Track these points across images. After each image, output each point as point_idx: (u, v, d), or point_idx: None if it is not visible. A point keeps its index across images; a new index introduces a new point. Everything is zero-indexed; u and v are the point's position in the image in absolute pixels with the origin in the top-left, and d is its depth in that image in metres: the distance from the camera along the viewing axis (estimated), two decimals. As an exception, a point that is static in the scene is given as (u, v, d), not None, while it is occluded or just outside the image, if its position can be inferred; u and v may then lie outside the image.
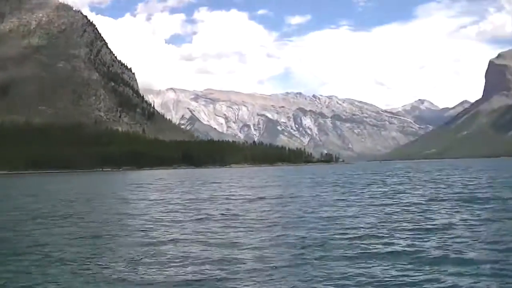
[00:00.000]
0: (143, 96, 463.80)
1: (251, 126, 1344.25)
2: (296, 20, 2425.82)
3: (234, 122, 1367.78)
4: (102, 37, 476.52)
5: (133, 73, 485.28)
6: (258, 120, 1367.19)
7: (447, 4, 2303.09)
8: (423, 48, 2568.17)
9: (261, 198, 40.08)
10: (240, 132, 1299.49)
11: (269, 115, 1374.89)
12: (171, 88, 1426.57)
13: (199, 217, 27.35)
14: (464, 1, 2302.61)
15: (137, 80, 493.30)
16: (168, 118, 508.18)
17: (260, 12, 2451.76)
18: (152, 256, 16.58)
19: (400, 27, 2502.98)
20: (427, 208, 28.65)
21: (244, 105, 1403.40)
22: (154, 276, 13.89)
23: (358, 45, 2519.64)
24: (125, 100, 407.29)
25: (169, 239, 19.84)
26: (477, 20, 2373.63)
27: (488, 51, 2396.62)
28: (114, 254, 17.05)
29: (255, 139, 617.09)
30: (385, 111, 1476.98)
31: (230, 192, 50.27)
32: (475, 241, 17.27)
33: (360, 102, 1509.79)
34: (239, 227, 22.61)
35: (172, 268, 14.77)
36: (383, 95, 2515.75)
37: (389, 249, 16.47)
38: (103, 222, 26.45)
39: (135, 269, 14.78)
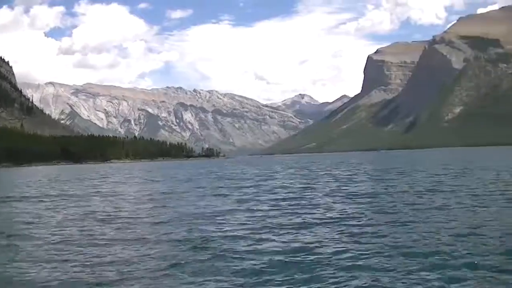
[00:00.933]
0: (21, 90, 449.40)
1: (132, 121, 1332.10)
2: (177, 14, 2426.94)
3: (114, 117, 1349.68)
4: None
5: (11, 67, 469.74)
6: (139, 115, 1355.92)
7: (327, 0, 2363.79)
8: (303, 43, 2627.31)
9: (133, 194, 39.31)
10: (120, 127, 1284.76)
11: (150, 110, 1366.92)
12: (50, 82, 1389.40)
13: (70, 215, 26.06)
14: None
15: (15, 74, 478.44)
16: (47, 113, 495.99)
17: (141, 6, 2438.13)
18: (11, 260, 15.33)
19: (281, 23, 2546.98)
20: (298, 202, 28.34)
21: (125, 100, 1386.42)
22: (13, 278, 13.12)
23: (239, 40, 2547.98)
24: (2, 95, 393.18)
25: (35, 238, 18.63)
26: (356, 17, 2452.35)
27: (366, 47, 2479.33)
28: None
29: (136, 134, 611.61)
30: (266, 106, 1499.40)
31: (104, 188, 48.89)
32: (344, 237, 17.31)
33: (241, 96, 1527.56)
34: (111, 226, 21.46)
35: (36, 272, 13.71)
36: (263, 90, 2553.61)
37: (262, 246, 16.10)
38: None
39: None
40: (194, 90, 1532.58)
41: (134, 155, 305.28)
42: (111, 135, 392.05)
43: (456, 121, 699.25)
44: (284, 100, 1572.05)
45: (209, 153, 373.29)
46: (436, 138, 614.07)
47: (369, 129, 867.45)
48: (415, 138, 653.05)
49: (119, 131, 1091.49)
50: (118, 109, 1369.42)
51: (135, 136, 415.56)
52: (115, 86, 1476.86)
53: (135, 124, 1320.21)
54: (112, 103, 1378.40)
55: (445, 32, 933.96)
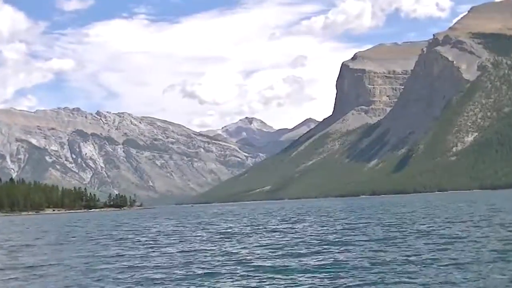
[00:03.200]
0: None
1: (7, 157, 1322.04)
2: (72, 5, 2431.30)
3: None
4: None
5: None
6: (17, 148, 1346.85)
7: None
8: (250, 47, 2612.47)
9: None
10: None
11: (34, 141, 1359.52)
12: None
13: None
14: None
15: None
16: None
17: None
18: None
19: (219, 18, 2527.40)
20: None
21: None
22: None
23: (160, 42, 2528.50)
24: None
25: None
26: (325, 9, 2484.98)
27: (339, 51, 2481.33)
28: None
29: (14, 176, 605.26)
30: (199, 134, 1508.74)
31: None
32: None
33: (164, 122, 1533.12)
34: None
35: None
36: (195, 112, 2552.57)
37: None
38: None
39: None
40: (98, 113, 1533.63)
41: (11, 206, 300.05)
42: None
43: (468, 153, 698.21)
44: (225, 127, 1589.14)
45: (120, 202, 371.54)
46: (439, 177, 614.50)
47: (345, 166, 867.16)
48: (409, 179, 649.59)
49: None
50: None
51: (12, 179, 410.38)
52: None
53: (12, 161, 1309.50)
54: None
55: (450, 28, 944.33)
